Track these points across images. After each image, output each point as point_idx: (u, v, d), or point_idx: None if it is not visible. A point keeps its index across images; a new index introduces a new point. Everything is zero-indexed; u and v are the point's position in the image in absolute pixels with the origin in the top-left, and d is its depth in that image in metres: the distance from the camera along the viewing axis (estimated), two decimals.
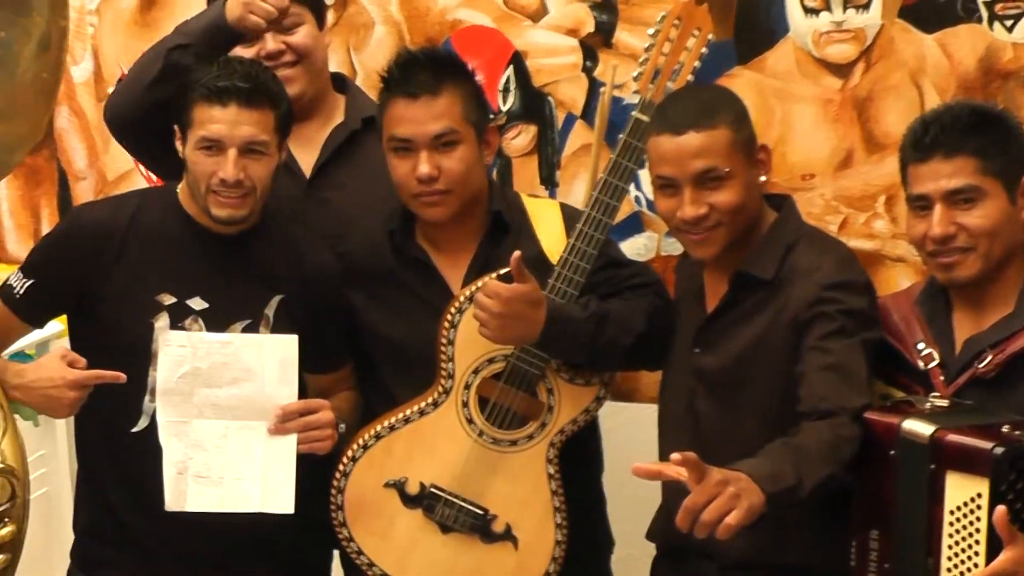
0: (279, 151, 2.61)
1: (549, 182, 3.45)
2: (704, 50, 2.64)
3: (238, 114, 2.52)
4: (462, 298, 2.62)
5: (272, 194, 2.64)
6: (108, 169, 3.83)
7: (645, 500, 2.65)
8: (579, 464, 2.72)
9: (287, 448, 2.57)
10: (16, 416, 3.30)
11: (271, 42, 2.86)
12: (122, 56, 3.72)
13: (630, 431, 2.98)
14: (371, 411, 2.75)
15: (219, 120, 2.52)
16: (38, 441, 3.79)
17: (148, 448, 2.57)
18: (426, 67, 2.65)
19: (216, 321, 2.60)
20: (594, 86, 3.37)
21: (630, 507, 2.78)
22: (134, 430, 2.60)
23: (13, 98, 2.48)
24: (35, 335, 3.21)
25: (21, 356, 3.53)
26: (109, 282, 2.61)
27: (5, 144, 2.46)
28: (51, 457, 3.72)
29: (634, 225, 3.37)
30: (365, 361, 2.78)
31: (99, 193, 3.83)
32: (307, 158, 2.93)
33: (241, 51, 2.80)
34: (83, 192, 3.85)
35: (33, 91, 2.50)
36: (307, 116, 2.92)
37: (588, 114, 3.38)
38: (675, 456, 2.08)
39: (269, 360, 2.57)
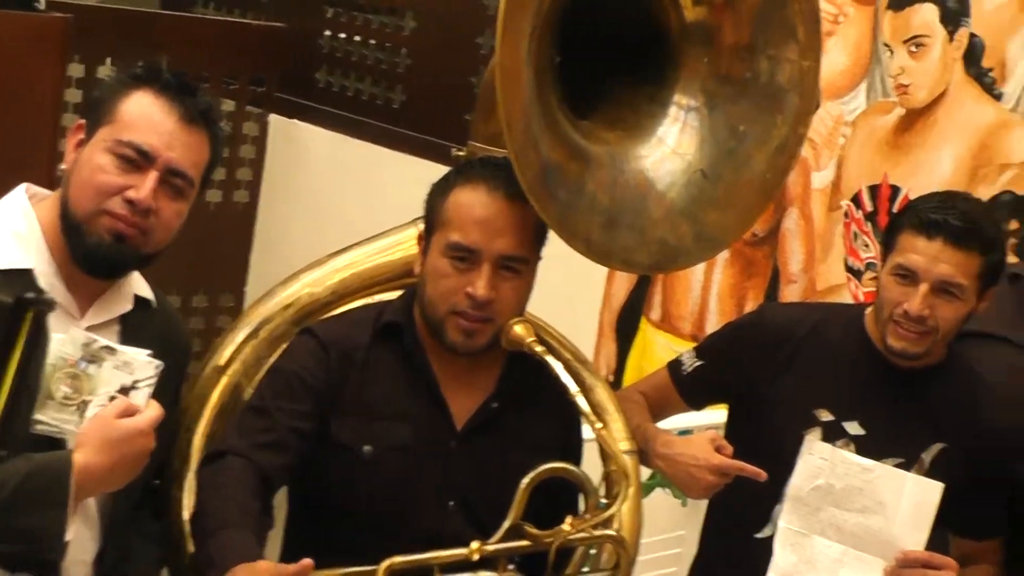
0: (978, 298, 2.50)
1: None
2: None
3: (941, 251, 2.45)
4: None
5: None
6: (819, 279, 3.82)
7: None
8: None
9: None
10: (666, 491, 3.35)
11: None
12: (864, 173, 3.69)
13: None
14: None
15: (921, 252, 2.47)
16: (680, 521, 3.83)
17: (764, 556, 2.52)
18: None
19: (868, 450, 2.52)
20: None
21: None
22: (757, 535, 2.58)
23: (732, 191, 2.52)
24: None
25: None
26: (775, 384, 2.61)
27: (709, 233, 2.50)
28: (689, 540, 3.74)
29: None
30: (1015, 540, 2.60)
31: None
32: None
33: None
34: (790, 295, 3.86)
35: (754, 190, 2.53)
36: None
37: None
38: None
39: (906, 500, 2.45)
